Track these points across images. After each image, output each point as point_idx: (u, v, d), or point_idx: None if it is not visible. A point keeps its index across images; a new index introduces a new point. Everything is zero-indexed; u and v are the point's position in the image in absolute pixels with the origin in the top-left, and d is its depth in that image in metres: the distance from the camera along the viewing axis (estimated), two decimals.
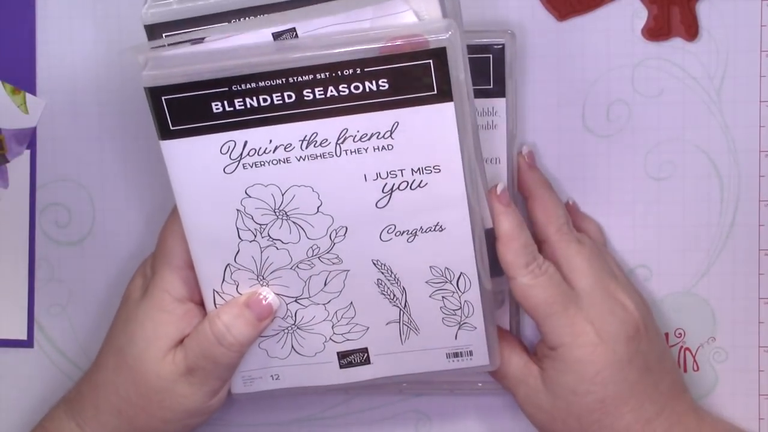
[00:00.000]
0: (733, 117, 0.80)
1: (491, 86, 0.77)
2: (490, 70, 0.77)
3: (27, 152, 0.82)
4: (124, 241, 0.83)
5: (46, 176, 0.83)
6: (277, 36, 0.69)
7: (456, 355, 0.76)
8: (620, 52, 0.80)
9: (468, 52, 0.70)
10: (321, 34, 0.69)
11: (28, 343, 0.83)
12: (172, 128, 0.70)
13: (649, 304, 0.80)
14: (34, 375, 0.83)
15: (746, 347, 0.82)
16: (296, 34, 0.69)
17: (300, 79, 0.69)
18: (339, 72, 0.68)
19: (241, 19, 0.70)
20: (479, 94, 0.76)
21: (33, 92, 0.82)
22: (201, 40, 0.70)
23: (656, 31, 0.80)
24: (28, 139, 0.82)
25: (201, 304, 0.76)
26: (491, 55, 0.77)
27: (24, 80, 0.82)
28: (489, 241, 0.74)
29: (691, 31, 0.80)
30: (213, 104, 0.69)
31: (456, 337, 0.76)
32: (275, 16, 0.69)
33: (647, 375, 0.76)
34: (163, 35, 0.70)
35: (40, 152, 0.82)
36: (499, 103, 0.78)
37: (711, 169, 0.81)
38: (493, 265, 0.75)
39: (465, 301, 0.75)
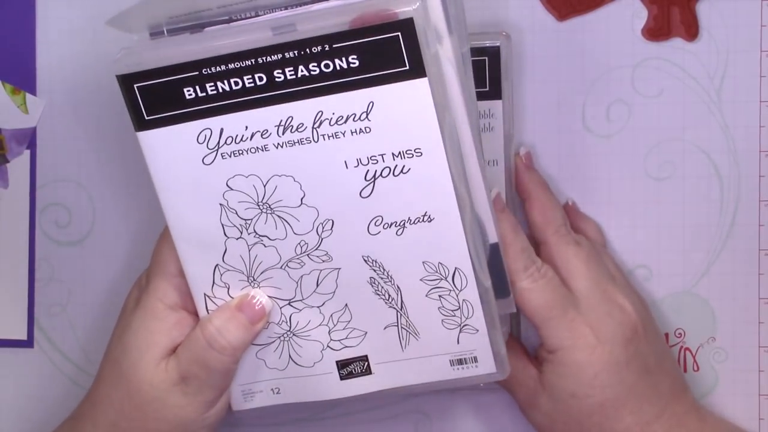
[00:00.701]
0: (733, 117, 0.80)
1: (487, 88, 0.77)
2: (486, 72, 0.77)
3: (27, 152, 0.82)
4: (124, 241, 0.83)
5: (46, 176, 0.83)
6: (276, 29, 0.68)
7: (460, 362, 0.75)
8: (620, 52, 0.80)
9: None
10: (286, 14, 0.69)
11: (28, 343, 0.83)
12: (147, 118, 0.70)
13: (649, 304, 0.80)
14: (34, 375, 0.84)
15: (746, 347, 0.82)
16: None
17: (269, 58, 0.68)
18: (307, 49, 0.67)
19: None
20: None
21: (33, 92, 0.82)
22: (200, 30, 0.70)
23: (656, 31, 0.80)
24: (28, 139, 0.82)
25: (195, 313, 0.75)
26: (486, 58, 0.77)
27: (24, 80, 0.82)
28: (494, 257, 0.74)
29: (691, 31, 0.80)
30: (185, 90, 0.69)
31: (458, 342, 0.74)
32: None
33: (646, 376, 0.76)
34: (164, 29, 0.70)
35: (40, 152, 0.83)
36: (496, 105, 0.77)
37: (711, 169, 0.81)
38: (499, 286, 0.74)
39: (463, 300, 0.73)
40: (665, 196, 0.81)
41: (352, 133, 0.69)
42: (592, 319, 0.75)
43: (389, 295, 0.74)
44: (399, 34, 0.67)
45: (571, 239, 0.77)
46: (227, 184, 0.71)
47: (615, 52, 0.80)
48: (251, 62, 0.68)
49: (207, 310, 0.74)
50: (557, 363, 0.75)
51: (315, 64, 0.68)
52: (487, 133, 0.78)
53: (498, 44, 0.77)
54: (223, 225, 0.72)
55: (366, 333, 0.75)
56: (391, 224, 0.72)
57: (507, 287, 0.75)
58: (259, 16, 0.70)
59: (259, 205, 0.72)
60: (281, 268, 0.73)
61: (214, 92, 0.69)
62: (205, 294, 0.74)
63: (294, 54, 0.68)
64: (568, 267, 0.76)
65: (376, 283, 0.73)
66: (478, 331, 0.74)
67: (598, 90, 0.81)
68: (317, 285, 0.73)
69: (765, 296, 0.81)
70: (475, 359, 0.75)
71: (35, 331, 0.83)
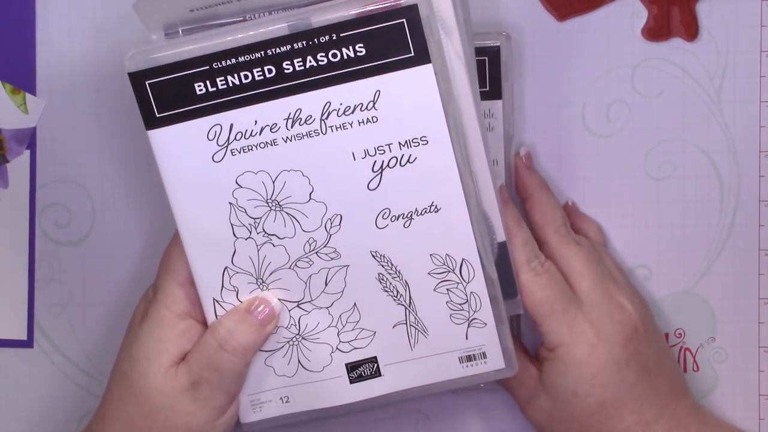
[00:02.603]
0: (733, 117, 0.80)
1: (487, 88, 0.77)
2: (486, 72, 0.77)
3: (27, 152, 0.82)
4: (124, 241, 0.83)
5: (46, 176, 0.83)
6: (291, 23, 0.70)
7: (469, 358, 0.75)
8: (620, 52, 0.80)
9: None
10: (294, 7, 0.70)
11: (28, 343, 0.83)
12: (157, 115, 0.71)
13: (649, 304, 0.80)
14: (34, 375, 0.83)
15: (746, 347, 0.82)
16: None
17: (278, 50, 0.69)
18: (315, 39, 0.69)
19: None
20: None
21: (33, 92, 0.82)
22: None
23: (656, 31, 0.80)
24: (28, 139, 0.82)
25: (203, 321, 0.74)
26: (486, 58, 0.77)
27: (24, 80, 0.82)
28: (503, 256, 0.74)
29: (691, 31, 0.80)
30: (196, 85, 0.70)
31: (467, 337, 0.74)
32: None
33: (646, 377, 0.76)
34: (180, 29, 0.72)
35: (40, 152, 0.83)
36: (496, 105, 0.78)
37: (711, 169, 0.81)
38: (506, 286, 0.74)
39: (471, 292, 0.73)
40: (665, 196, 0.81)
41: (359, 123, 0.70)
42: (593, 317, 0.75)
43: (397, 292, 0.74)
44: (404, 20, 0.69)
45: (571, 239, 0.77)
46: (237, 182, 0.72)
47: (615, 52, 0.80)
48: (261, 54, 0.69)
49: (216, 316, 0.74)
50: (557, 361, 0.75)
51: (323, 54, 0.69)
52: (488, 133, 0.77)
53: (498, 44, 0.77)
54: (232, 224, 0.72)
55: (375, 333, 0.74)
56: (399, 216, 0.72)
57: (514, 287, 0.75)
58: (272, 14, 0.71)
59: (268, 203, 0.72)
60: (290, 268, 0.73)
61: (225, 87, 0.70)
62: (214, 299, 0.74)
63: (303, 44, 0.69)
64: (568, 267, 0.76)
65: (385, 279, 0.73)
66: (486, 324, 0.74)
67: (598, 90, 0.81)
68: (326, 284, 0.73)
69: (765, 296, 0.81)
70: (484, 355, 0.75)
71: (35, 331, 0.83)
